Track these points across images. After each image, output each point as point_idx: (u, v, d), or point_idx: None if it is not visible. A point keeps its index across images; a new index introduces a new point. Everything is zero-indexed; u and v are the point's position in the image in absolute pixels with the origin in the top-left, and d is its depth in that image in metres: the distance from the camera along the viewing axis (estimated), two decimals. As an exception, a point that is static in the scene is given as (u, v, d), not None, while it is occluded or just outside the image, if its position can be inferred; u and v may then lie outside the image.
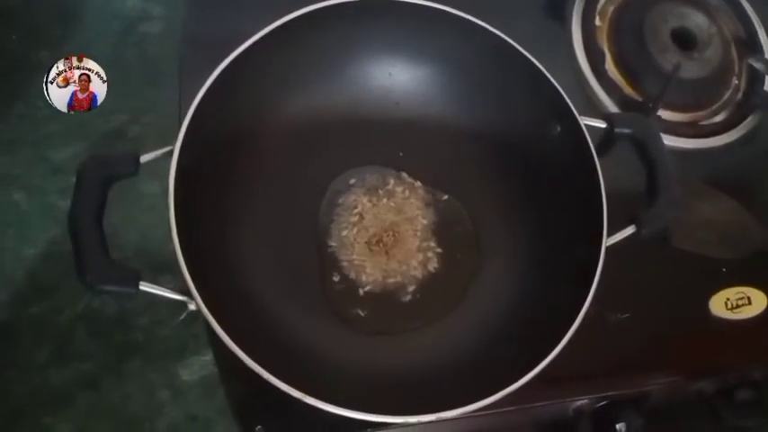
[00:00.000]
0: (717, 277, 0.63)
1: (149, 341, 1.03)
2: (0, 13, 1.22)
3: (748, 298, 0.63)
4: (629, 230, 0.54)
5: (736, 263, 0.64)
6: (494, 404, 0.46)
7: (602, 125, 0.57)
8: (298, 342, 0.53)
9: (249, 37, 0.53)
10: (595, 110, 0.69)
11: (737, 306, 0.62)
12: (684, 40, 0.72)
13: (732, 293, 0.63)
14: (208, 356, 1.00)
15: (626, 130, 0.57)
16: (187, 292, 0.46)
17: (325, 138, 0.61)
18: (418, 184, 0.61)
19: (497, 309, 0.56)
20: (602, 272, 0.51)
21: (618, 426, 0.57)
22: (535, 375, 0.47)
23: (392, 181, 0.61)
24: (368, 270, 0.58)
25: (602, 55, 0.71)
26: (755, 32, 0.77)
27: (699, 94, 0.73)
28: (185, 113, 0.50)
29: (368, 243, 0.58)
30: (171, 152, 0.49)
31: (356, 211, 0.59)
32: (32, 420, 0.97)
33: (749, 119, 0.73)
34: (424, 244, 0.59)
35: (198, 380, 1.02)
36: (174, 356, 1.03)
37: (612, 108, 0.69)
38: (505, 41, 0.57)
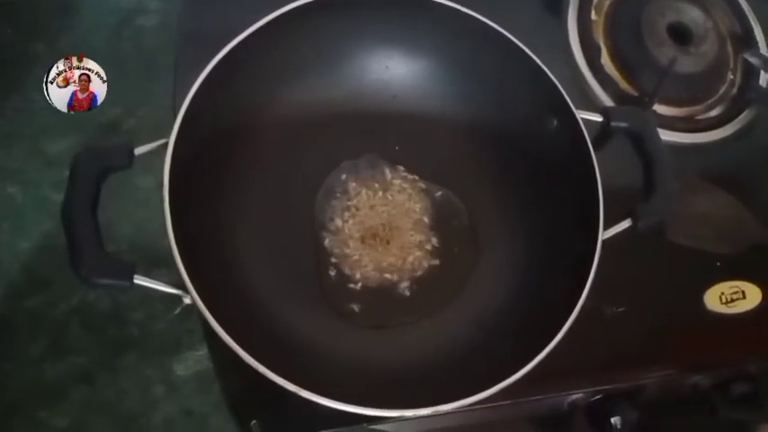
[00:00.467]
0: (711, 271, 0.63)
1: (144, 336, 1.03)
2: (-5, 6, 1.21)
3: (743, 292, 0.63)
4: (626, 224, 0.54)
5: (730, 257, 0.64)
6: (489, 398, 0.46)
7: (599, 119, 0.57)
8: (293, 336, 0.52)
9: (245, 29, 0.53)
10: (591, 104, 0.69)
11: (732, 300, 0.63)
12: (680, 35, 0.72)
13: (727, 288, 0.63)
14: (202, 351, 1.00)
15: (622, 124, 0.57)
16: (182, 286, 0.45)
17: (322, 131, 0.61)
18: (415, 177, 0.61)
19: (494, 303, 0.56)
20: (598, 266, 0.51)
21: (613, 420, 0.57)
22: (531, 369, 0.47)
23: (389, 174, 0.61)
24: (364, 264, 0.57)
25: (598, 49, 0.71)
26: (751, 27, 0.77)
27: (694, 89, 0.73)
28: (180, 106, 0.50)
29: (364, 237, 0.58)
30: (166, 145, 0.49)
31: (352, 204, 0.59)
32: (28, 414, 0.97)
33: (744, 113, 0.73)
34: (421, 238, 0.59)
35: (193, 374, 1.02)
36: (169, 351, 1.03)
37: (608, 102, 0.69)
38: (503, 35, 0.57)
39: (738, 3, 0.78)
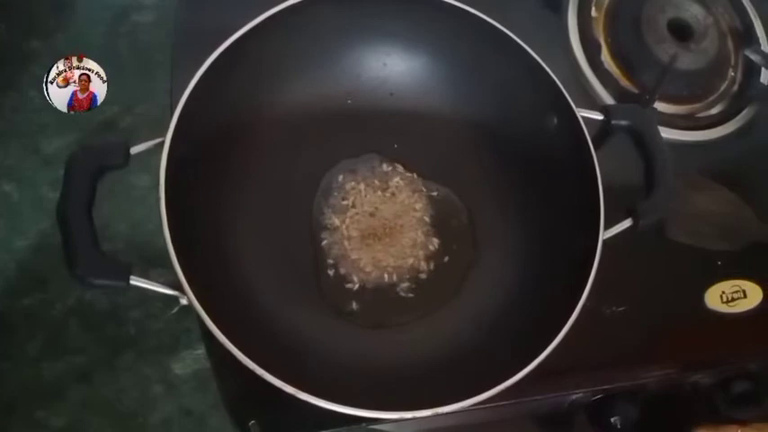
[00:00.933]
0: (712, 270, 0.63)
1: (142, 335, 1.03)
2: (-10, 3, 1.21)
3: (743, 291, 0.63)
4: (627, 223, 0.53)
5: (731, 256, 0.64)
6: (490, 399, 0.46)
7: (599, 117, 0.56)
8: (291, 337, 0.52)
9: (242, 26, 0.52)
10: (591, 102, 0.68)
11: (733, 299, 0.62)
12: (681, 32, 0.71)
13: (727, 286, 0.63)
14: (200, 350, 1.00)
15: (623, 122, 0.56)
16: (179, 287, 0.45)
17: (320, 129, 0.60)
18: (414, 176, 0.61)
19: (494, 302, 0.56)
20: (599, 265, 0.50)
21: (613, 419, 0.57)
22: (532, 369, 0.47)
23: (387, 173, 0.60)
24: (362, 263, 0.57)
25: (599, 46, 0.71)
26: (752, 24, 0.77)
27: (695, 86, 0.72)
28: (177, 104, 0.49)
29: (362, 236, 0.58)
30: (162, 143, 0.48)
31: (350, 203, 0.59)
32: (26, 414, 0.97)
33: (745, 111, 0.72)
34: (420, 237, 0.59)
35: (191, 374, 1.02)
36: (168, 350, 1.03)
37: (608, 100, 0.69)
38: (502, 32, 0.57)
39: (739, -1, 0.78)
